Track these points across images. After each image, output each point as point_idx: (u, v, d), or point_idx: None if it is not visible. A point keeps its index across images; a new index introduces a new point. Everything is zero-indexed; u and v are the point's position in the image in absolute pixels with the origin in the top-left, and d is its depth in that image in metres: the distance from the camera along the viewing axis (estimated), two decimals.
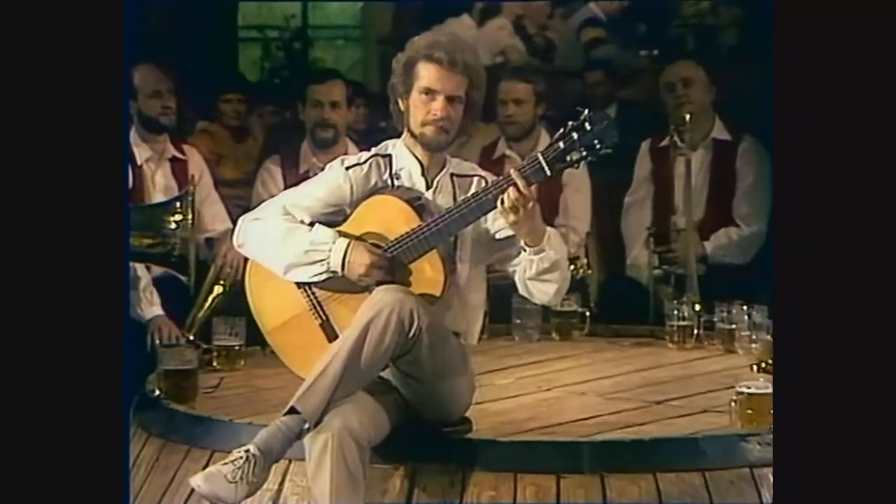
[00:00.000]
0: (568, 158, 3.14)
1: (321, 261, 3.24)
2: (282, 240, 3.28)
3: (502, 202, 3.13)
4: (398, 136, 3.37)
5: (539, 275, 3.23)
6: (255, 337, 3.72)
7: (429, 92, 3.25)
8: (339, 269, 3.23)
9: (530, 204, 3.12)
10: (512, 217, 3.14)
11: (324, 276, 3.26)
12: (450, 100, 3.25)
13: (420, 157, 3.32)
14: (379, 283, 3.18)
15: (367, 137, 5.19)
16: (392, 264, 3.22)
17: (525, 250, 3.21)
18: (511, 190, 3.12)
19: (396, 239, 3.22)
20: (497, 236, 3.31)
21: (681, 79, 5.16)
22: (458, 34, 3.31)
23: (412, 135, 3.30)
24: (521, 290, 3.31)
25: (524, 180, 3.12)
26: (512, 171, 3.16)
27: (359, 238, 3.26)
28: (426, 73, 3.25)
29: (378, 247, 3.24)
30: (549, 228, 3.24)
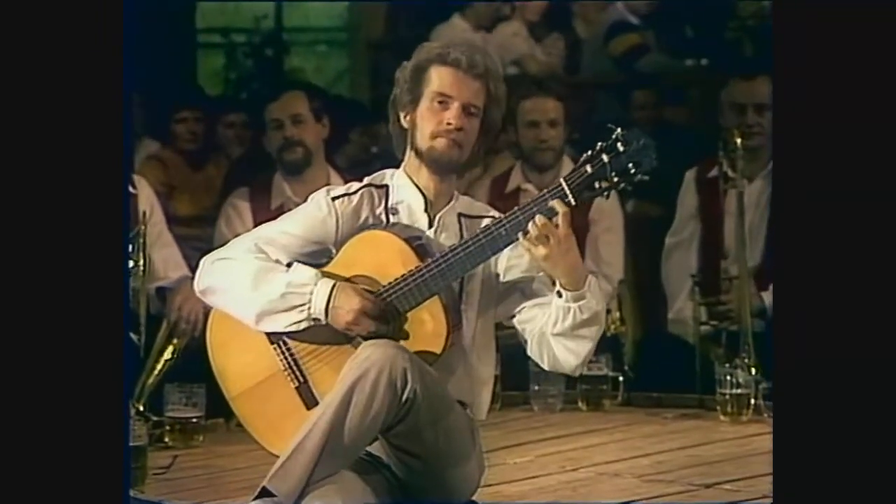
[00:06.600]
0: (597, 185, 3.18)
1: (301, 305, 3.24)
2: (253, 282, 3.27)
3: (526, 232, 3.16)
4: (396, 165, 3.41)
5: (574, 329, 3.23)
6: (216, 407, 3.79)
7: (442, 99, 3.31)
8: (322, 316, 3.23)
9: (565, 234, 3.16)
10: (542, 250, 3.16)
11: (304, 325, 3.26)
12: (466, 109, 3.31)
13: (424, 189, 3.35)
14: (371, 336, 3.20)
15: (358, 167, 5.23)
16: (387, 312, 3.23)
17: (561, 295, 3.22)
18: (538, 216, 3.16)
19: (390, 283, 3.24)
20: (503, 278, 3.33)
21: (755, 103, 5.09)
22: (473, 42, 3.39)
23: (418, 154, 3.34)
24: (536, 351, 3.32)
25: (560, 203, 3.15)
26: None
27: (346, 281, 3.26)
28: (440, 78, 3.32)
29: (370, 293, 3.25)
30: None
